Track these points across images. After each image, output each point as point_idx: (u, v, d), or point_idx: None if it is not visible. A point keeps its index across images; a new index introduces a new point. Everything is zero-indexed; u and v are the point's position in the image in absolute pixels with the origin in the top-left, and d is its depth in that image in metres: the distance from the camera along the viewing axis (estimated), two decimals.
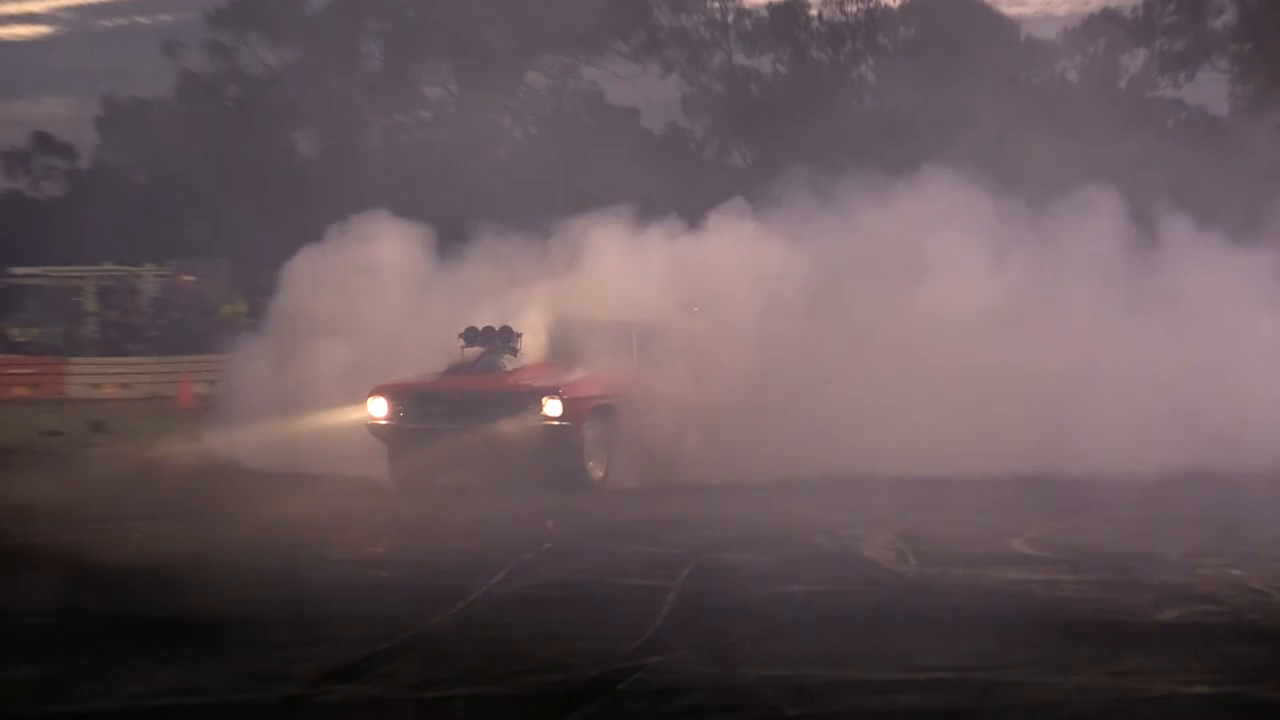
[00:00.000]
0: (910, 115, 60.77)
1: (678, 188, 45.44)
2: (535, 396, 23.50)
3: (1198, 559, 18.05)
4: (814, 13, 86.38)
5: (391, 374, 24.47)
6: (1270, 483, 23.42)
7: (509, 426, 23.23)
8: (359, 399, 24.20)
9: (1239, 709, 11.71)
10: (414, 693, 12.17)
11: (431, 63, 77.81)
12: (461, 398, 23.84)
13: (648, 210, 27.24)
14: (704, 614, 14.96)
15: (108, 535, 19.61)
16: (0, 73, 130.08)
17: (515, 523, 20.50)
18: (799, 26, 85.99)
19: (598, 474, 24.05)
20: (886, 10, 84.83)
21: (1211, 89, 79.60)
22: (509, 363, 24.83)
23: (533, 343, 25.10)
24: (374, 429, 24.00)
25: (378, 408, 23.95)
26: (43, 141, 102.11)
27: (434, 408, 23.84)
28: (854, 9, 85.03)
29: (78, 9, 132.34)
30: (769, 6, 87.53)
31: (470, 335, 24.78)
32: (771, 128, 72.21)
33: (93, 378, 49.97)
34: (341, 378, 25.18)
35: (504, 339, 24.73)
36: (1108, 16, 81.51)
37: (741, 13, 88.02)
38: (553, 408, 23.38)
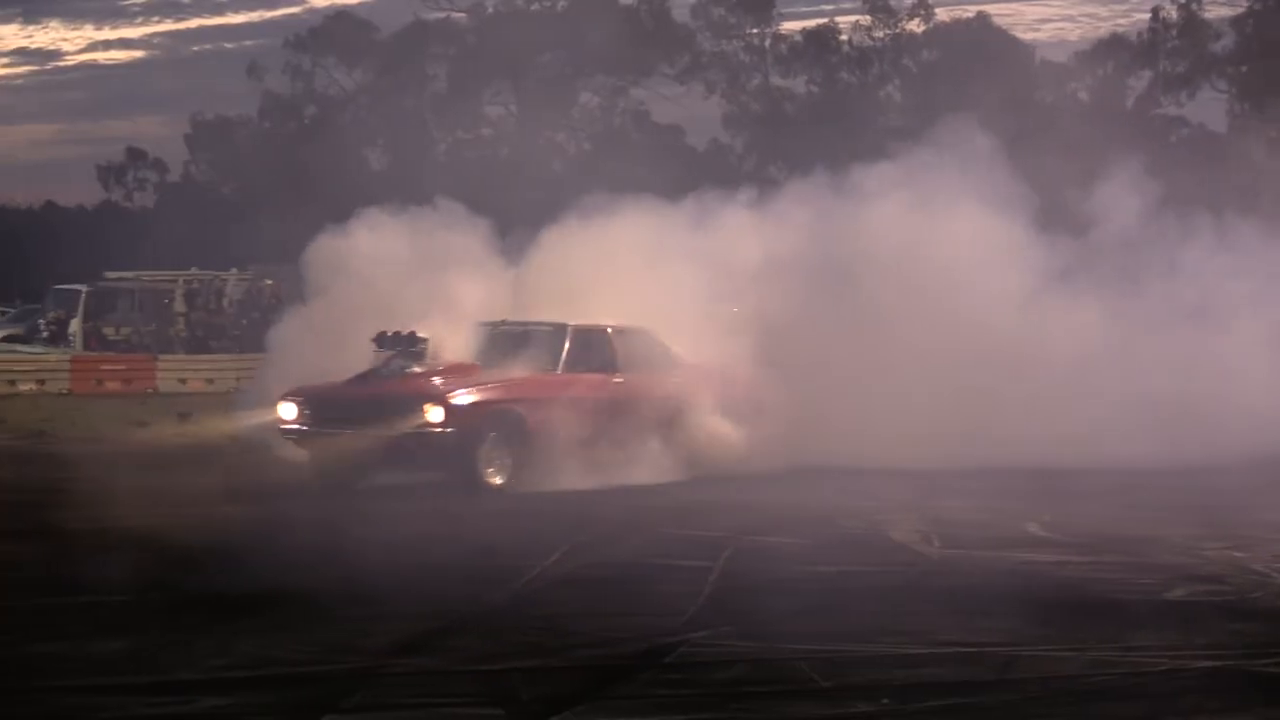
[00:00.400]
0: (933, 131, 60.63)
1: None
2: (418, 402, 22.20)
3: (1202, 542, 17.93)
4: (844, 38, 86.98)
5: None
6: (1271, 471, 23.25)
7: (395, 431, 22.13)
8: None
9: (1242, 682, 11.59)
10: (474, 665, 12.09)
11: (493, 84, 77.98)
12: (355, 403, 22.69)
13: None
14: (743, 593, 14.90)
15: (188, 518, 19.56)
16: (99, 93, 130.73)
17: (567, 508, 20.43)
18: (830, 51, 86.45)
19: (496, 480, 22.30)
20: (911, 35, 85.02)
21: (1211, 108, 79.68)
22: (418, 367, 23.38)
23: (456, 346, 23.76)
24: (283, 432, 23.20)
25: (286, 411, 22.99)
26: (136, 156, 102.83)
27: (333, 413, 22.74)
28: (881, 35, 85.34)
29: (170, 35, 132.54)
30: (803, 32, 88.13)
31: (380, 340, 23.77)
32: (805, 143, 72.07)
33: (180, 373, 50.11)
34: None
35: (409, 344, 23.54)
36: (1115, 41, 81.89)
37: (778, 38, 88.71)
38: (435, 414, 22.04)
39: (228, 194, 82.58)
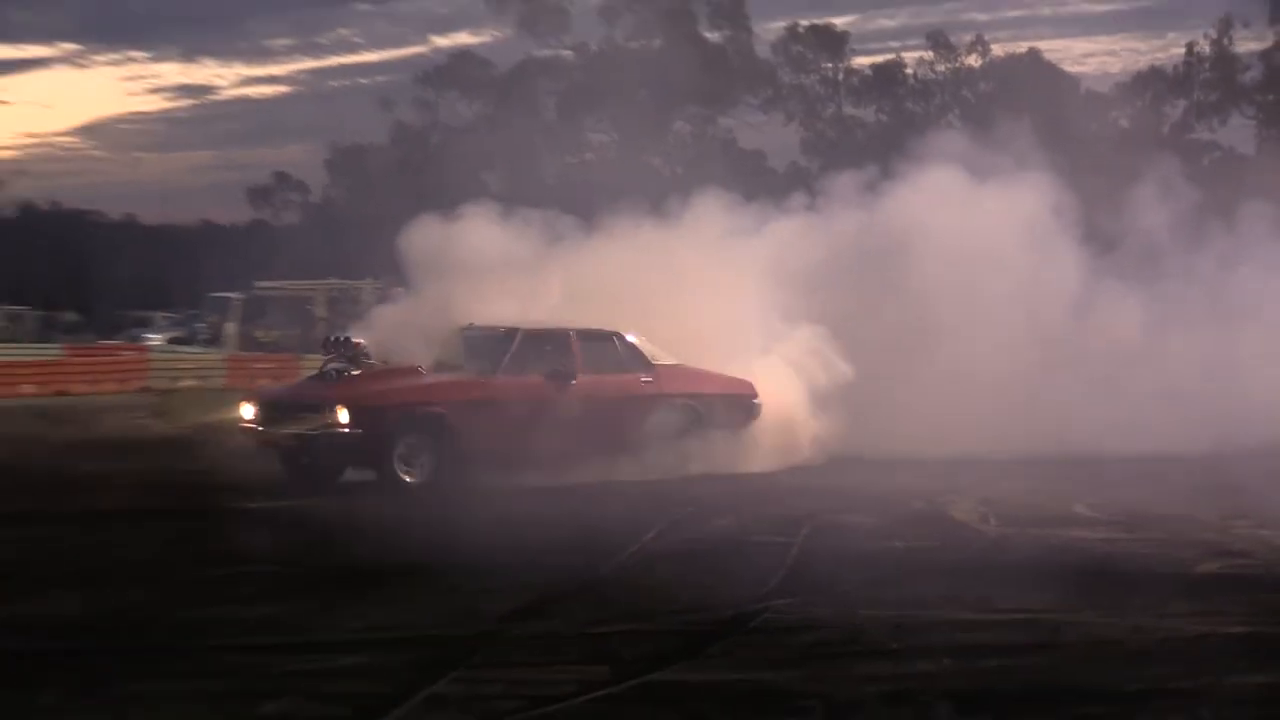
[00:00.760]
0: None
1: None
2: (331, 404, 21.04)
3: (1232, 521, 17.83)
4: (909, 71, 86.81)
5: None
6: None
7: (314, 430, 21.01)
8: None
9: (1268, 645, 11.55)
10: (581, 629, 12.14)
11: (595, 114, 77.96)
12: (291, 404, 21.79)
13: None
14: (820, 565, 14.88)
15: (325, 500, 19.66)
16: (249, 124, 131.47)
17: (665, 490, 20.40)
18: (897, 83, 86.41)
19: (409, 478, 20.78)
20: (969, 69, 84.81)
21: (1240, 132, 79.22)
22: (358, 370, 22.20)
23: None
24: (241, 430, 22.28)
25: (246, 411, 22.13)
26: (282, 179, 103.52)
27: (275, 413, 21.72)
28: (942, 69, 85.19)
29: (311, 72, 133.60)
30: (872, 67, 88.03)
31: (326, 345, 23.41)
32: (875, 166, 71.91)
33: None
34: None
35: (344, 349, 22.75)
36: (1154, 73, 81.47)
37: (849, 72, 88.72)
38: (343, 415, 20.84)
39: (362, 213, 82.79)
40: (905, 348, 24.40)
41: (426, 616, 12.65)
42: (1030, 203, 26.41)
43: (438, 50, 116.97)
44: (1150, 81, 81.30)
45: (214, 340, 57.61)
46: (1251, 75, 79.49)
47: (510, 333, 22.17)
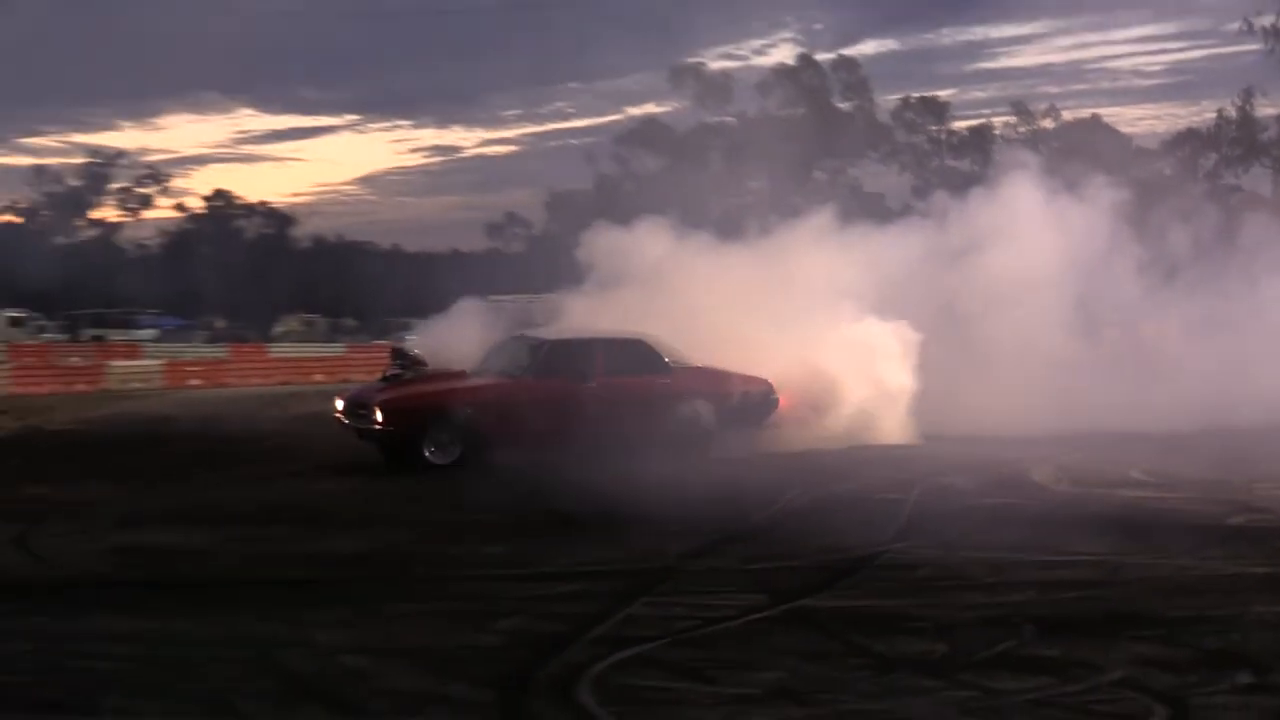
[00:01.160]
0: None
1: None
2: (372, 405, 20.30)
3: (1255, 484, 17.42)
4: (996, 132, 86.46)
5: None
6: None
7: (367, 425, 20.32)
8: None
9: None
10: (744, 565, 12.10)
11: (752, 166, 77.72)
12: (355, 403, 20.87)
13: None
14: (929, 517, 14.71)
15: (551, 460, 19.58)
16: (487, 175, 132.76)
17: (798, 460, 20.16)
18: (987, 141, 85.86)
19: (439, 461, 19.73)
20: (1044, 130, 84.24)
21: (1260, 178, 78.36)
22: (411, 375, 21.84)
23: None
24: (338, 423, 21.42)
25: (338, 406, 21.39)
26: (511, 217, 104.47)
27: (349, 409, 20.89)
28: (1022, 130, 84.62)
29: (534, 135, 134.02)
30: (967, 129, 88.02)
31: (392, 354, 23.40)
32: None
33: None
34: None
35: (400, 358, 22.77)
36: (1190, 133, 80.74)
37: (950, 132, 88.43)
38: (378, 414, 20.13)
39: (571, 243, 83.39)
40: (983, 340, 23.66)
41: (621, 554, 12.65)
42: (1092, 223, 25.56)
43: (630, 117, 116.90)
44: (1188, 139, 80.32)
45: None
46: (1268, 134, 78.53)
47: (541, 343, 21.11)
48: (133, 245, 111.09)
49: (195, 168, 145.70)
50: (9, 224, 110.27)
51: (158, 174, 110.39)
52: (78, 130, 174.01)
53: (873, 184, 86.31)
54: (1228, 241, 29.18)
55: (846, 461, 19.95)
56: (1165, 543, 12.99)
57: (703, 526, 13.96)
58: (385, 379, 22.03)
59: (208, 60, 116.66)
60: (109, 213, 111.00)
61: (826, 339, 22.15)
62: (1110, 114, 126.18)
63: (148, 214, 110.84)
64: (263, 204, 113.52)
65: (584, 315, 22.80)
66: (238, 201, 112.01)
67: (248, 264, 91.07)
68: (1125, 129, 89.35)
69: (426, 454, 19.89)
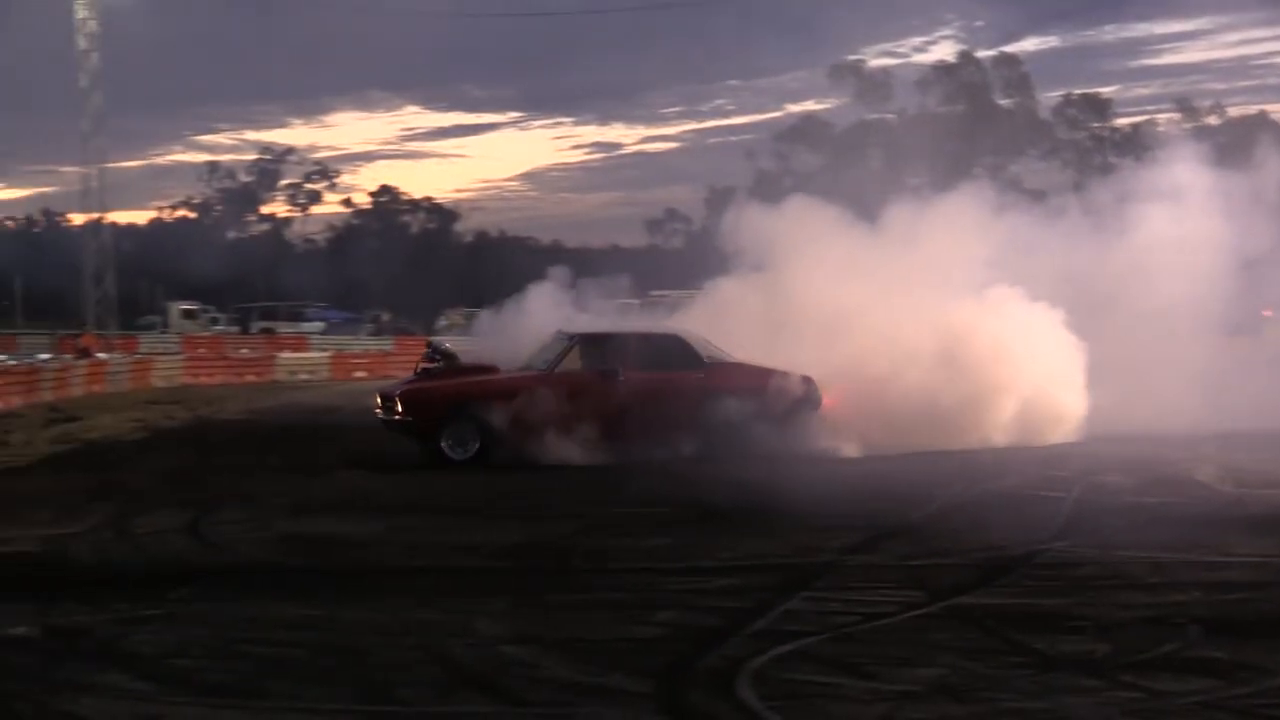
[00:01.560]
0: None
1: None
2: (395, 398, 20.18)
3: None
4: (1159, 129, 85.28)
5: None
6: None
7: (387, 418, 20.27)
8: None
9: None
10: (902, 561, 11.98)
11: (912, 163, 77.17)
12: (388, 397, 20.54)
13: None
14: (1090, 515, 14.47)
15: (709, 461, 19.59)
16: (647, 171, 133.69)
17: (957, 458, 19.89)
18: (1150, 138, 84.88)
19: (456, 456, 19.55)
20: (1209, 126, 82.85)
21: None
22: (445, 368, 21.70)
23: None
24: (376, 416, 21.13)
25: (376, 400, 21.02)
26: (671, 213, 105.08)
27: (383, 403, 20.56)
28: (1187, 126, 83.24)
29: (694, 132, 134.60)
30: (1130, 125, 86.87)
31: (428, 346, 23.24)
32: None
33: None
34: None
35: (434, 351, 22.73)
36: None
37: (1112, 129, 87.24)
38: (400, 406, 20.03)
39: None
40: (1142, 334, 22.97)
41: (780, 548, 12.60)
42: (1257, 218, 24.67)
43: (790, 114, 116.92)
44: None
45: None
46: None
47: (571, 337, 20.67)
48: (301, 240, 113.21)
49: (362, 164, 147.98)
50: (183, 219, 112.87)
51: (326, 170, 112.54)
52: (250, 127, 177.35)
53: (1033, 181, 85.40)
54: None
55: (1003, 459, 19.66)
56: None
57: (860, 522, 13.87)
58: (419, 373, 22.11)
59: (376, 59, 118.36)
60: (279, 208, 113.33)
61: (985, 328, 21.44)
62: (1277, 109, 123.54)
63: (316, 209, 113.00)
64: (427, 200, 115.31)
65: (722, 303, 22.67)
66: (403, 197, 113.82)
67: (412, 259, 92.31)
68: None
69: (444, 447, 19.75)
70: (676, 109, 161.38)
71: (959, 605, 10.14)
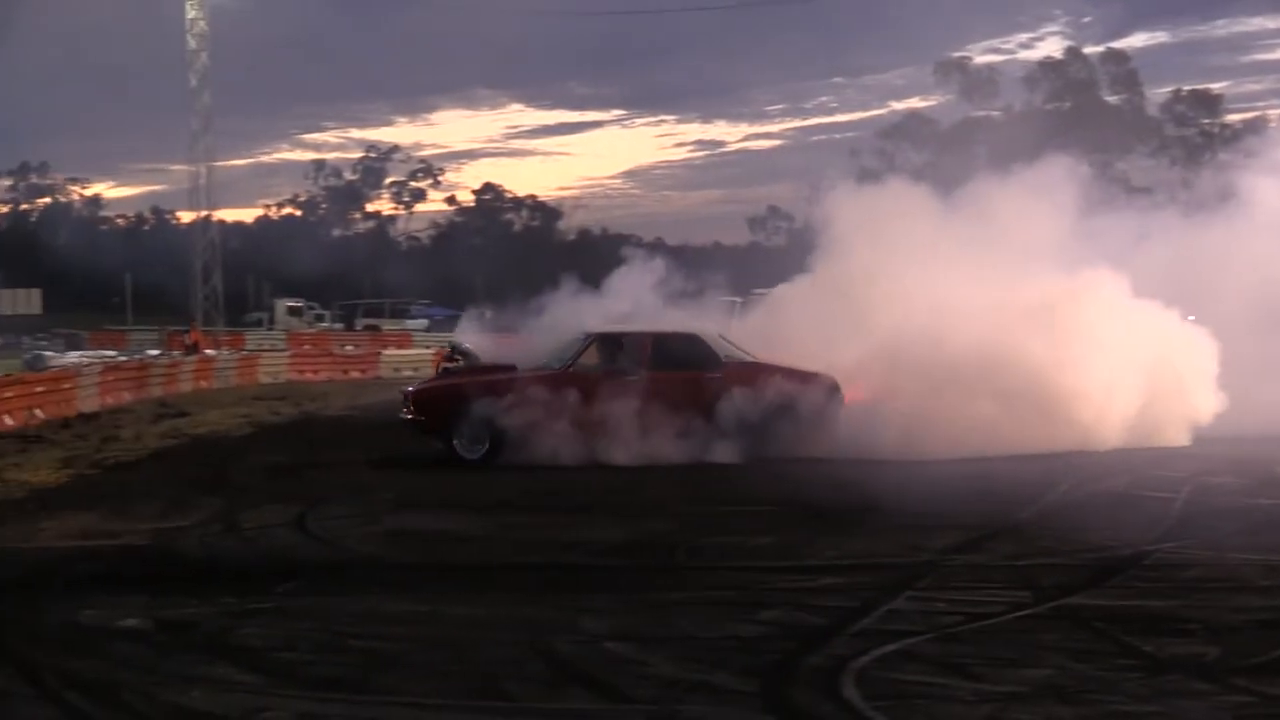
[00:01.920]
0: None
1: None
2: (408, 398, 20.12)
3: None
4: (1271, 125, 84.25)
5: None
6: None
7: (402, 416, 20.18)
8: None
9: None
10: (1008, 561, 11.89)
11: (1019, 161, 76.65)
12: (404, 397, 20.48)
13: None
14: (1201, 516, 14.28)
15: (821, 466, 19.49)
16: (750, 169, 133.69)
17: (1065, 456, 19.63)
18: (1262, 135, 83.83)
19: (468, 454, 19.42)
20: None
21: None
22: (465, 367, 21.87)
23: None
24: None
25: (401, 398, 20.95)
26: (773, 211, 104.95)
27: (403, 403, 20.43)
28: None
29: (797, 129, 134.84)
30: (1242, 122, 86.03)
31: (450, 345, 23.22)
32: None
33: None
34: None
35: (454, 351, 22.82)
36: None
37: (1223, 126, 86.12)
38: (411, 406, 19.88)
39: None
40: (1256, 339, 22.42)
41: (885, 548, 12.56)
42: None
43: (894, 112, 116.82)
44: None
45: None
46: None
47: (587, 337, 20.45)
48: (404, 237, 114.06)
49: (466, 162, 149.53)
50: (289, 217, 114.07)
51: (430, 168, 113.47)
52: (355, 126, 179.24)
53: (1141, 178, 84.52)
54: None
55: (1114, 460, 19.43)
56: None
57: (965, 522, 13.78)
58: (440, 373, 22.19)
59: (480, 57, 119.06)
60: (383, 206, 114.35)
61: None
62: None
63: (420, 207, 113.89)
64: (530, 198, 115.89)
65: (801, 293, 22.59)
66: (506, 195, 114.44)
67: (515, 256, 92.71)
68: None
69: (456, 446, 19.67)
70: (780, 106, 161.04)
71: (1066, 606, 10.06)
